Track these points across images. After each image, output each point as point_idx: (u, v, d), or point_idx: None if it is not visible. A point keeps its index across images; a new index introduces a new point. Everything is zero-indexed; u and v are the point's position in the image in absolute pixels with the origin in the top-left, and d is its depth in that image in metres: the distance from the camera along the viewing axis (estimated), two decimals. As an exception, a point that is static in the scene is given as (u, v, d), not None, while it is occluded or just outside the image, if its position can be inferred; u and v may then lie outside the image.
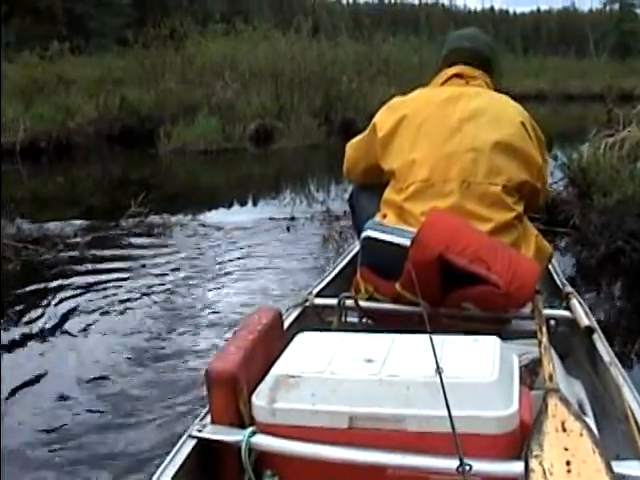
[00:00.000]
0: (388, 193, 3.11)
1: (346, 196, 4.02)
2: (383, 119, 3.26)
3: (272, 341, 2.22)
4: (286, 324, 2.64)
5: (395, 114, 3.20)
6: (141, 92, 17.14)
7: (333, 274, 3.60)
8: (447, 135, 3.03)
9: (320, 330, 2.45)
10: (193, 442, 2.01)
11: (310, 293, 3.20)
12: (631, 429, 2.01)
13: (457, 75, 3.34)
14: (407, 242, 2.65)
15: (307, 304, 3.07)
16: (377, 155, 3.22)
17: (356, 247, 3.56)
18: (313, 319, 3.05)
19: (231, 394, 1.97)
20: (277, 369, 2.02)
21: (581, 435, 1.81)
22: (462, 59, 3.38)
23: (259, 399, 1.97)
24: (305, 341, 2.22)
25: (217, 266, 6.12)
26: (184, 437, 2.04)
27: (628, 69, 34.05)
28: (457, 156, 2.97)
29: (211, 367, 2.02)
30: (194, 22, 20.27)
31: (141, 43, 18.09)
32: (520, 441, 1.84)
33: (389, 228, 2.88)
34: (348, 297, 2.94)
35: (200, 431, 2.01)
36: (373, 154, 3.25)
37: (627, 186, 5.68)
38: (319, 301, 3.11)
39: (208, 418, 2.05)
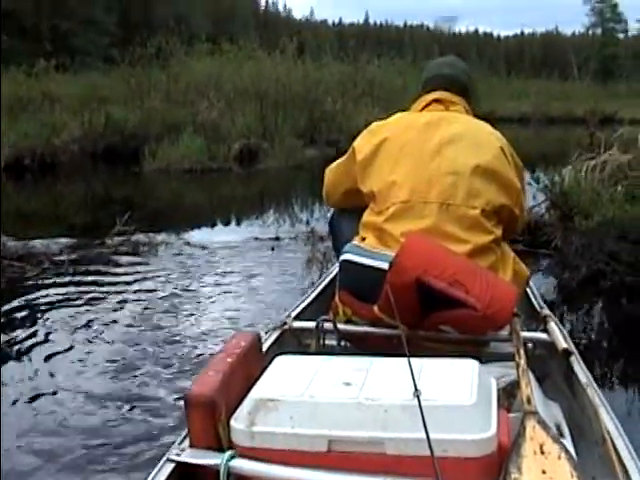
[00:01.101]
0: (367, 215, 3.12)
1: (329, 216, 4.03)
2: (363, 143, 3.27)
3: (251, 364, 2.21)
4: (265, 347, 2.62)
5: (375, 138, 3.22)
6: (126, 110, 17.15)
7: (312, 297, 3.56)
8: (427, 158, 3.04)
9: (298, 353, 2.45)
10: (171, 466, 1.98)
11: (289, 316, 3.17)
12: (608, 451, 1.99)
13: (437, 100, 3.36)
14: (385, 265, 2.66)
15: (285, 327, 3.05)
16: (357, 178, 3.22)
17: (335, 270, 3.54)
18: (291, 342, 3.03)
19: (210, 417, 1.95)
20: (256, 392, 2.01)
21: (559, 458, 1.83)
22: (441, 85, 3.40)
23: (238, 422, 1.95)
24: (283, 364, 2.21)
25: (202, 286, 6.13)
26: (162, 461, 2.01)
27: (610, 93, 34.39)
28: (437, 179, 2.98)
29: (190, 391, 2.00)
30: (180, 41, 20.29)
31: (127, 62, 18.14)
32: (498, 464, 1.84)
33: (367, 251, 2.88)
34: (326, 320, 2.93)
35: (179, 455, 1.99)
36: (352, 178, 3.26)
37: (607, 208, 5.74)
38: (297, 324, 3.09)
39: (187, 442, 2.03)
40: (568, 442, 2.25)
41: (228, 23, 63.23)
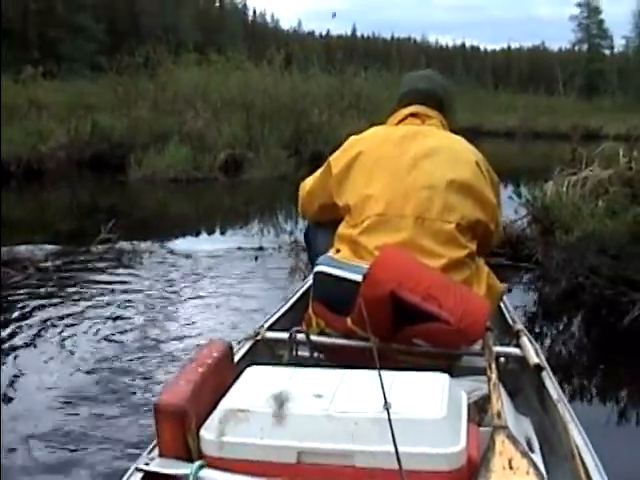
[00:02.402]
0: (342, 228, 3.11)
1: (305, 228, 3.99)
2: (338, 156, 3.27)
3: (222, 374, 2.18)
4: (237, 357, 2.63)
5: (350, 151, 3.22)
6: (113, 119, 17.17)
7: (285, 308, 3.55)
8: (403, 172, 3.04)
9: (271, 364, 2.44)
10: (140, 475, 1.96)
11: (261, 326, 3.16)
12: (577, 467, 1.99)
13: (413, 114, 3.37)
14: (359, 277, 2.64)
15: (258, 337, 3.03)
16: (332, 192, 3.22)
17: (309, 281, 3.44)
18: (264, 353, 3.01)
19: (179, 427, 1.93)
20: (226, 403, 2.00)
21: (527, 473, 1.83)
22: (418, 99, 3.40)
23: (208, 432, 1.94)
24: (255, 375, 2.20)
25: (185, 294, 6.16)
26: (131, 470, 1.98)
27: (595, 108, 34.59)
28: (412, 192, 2.98)
29: (160, 400, 1.97)
30: (167, 51, 20.32)
31: (115, 70, 18.15)
32: (467, 478, 1.83)
33: (341, 263, 2.87)
34: (299, 331, 2.91)
35: (147, 464, 1.96)
36: (328, 191, 3.26)
37: (588, 223, 5.77)
38: (270, 335, 3.07)
39: (156, 451, 2.00)
40: (538, 457, 2.27)
41: (216, 33, 63.35)
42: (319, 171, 3.44)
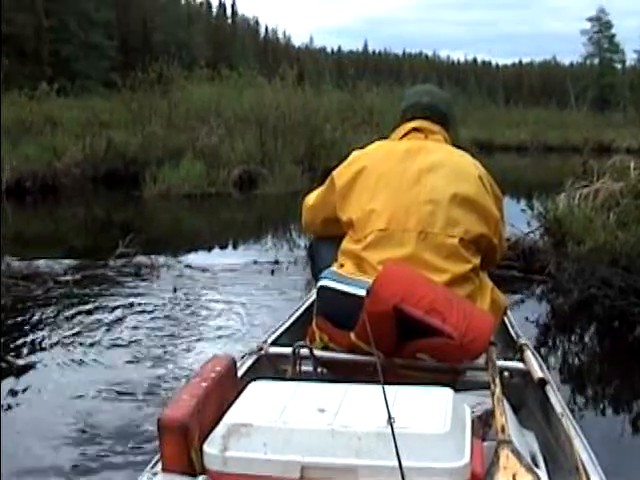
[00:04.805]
0: (346, 243, 3.09)
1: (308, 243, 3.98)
2: (341, 171, 3.26)
3: (225, 389, 2.16)
4: (240, 372, 2.59)
5: (354, 166, 3.21)
6: (127, 135, 17.25)
7: (288, 323, 3.54)
8: (406, 186, 3.04)
9: (274, 379, 2.45)
10: None
11: (265, 341, 3.15)
12: None
13: (416, 129, 3.34)
14: (362, 292, 2.62)
15: (262, 352, 3.03)
16: (335, 207, 3.21)
17: (313, 296, 3.43)
18: (267, 368, 3.00)
19: (183, 442, 1.91)
20: (229, 417, 1.98)
21: None
22: (420, 114, 3.38)
23: (211, 447, 1.92)
24: (258, 390, 2.18)
25: (204, 307, 6.22)
26: None
27: (607, 122, 34.50)
28: (415, 207, 2.98)
29: (163, 415, 1.95)
30: (180, 67, 20.40)
31: (128, 86, 18.23)
32: None
33: (345, 278, 2.86)
34: (303, 346, 2.86)
35: (151, 479, 1.95)
36: (331, 206, 3.24)
37: (600, 235, 5.81)
38: (274, 350, 3.07)
39: (159, 466, 1.98)
40: (542, 471, 2.26)
41: (228, 50, 63.55)
42: (322, 186, 3.43)
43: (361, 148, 3.40)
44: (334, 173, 3.30)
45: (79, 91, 25.81)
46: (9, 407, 4.13)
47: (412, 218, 2.96)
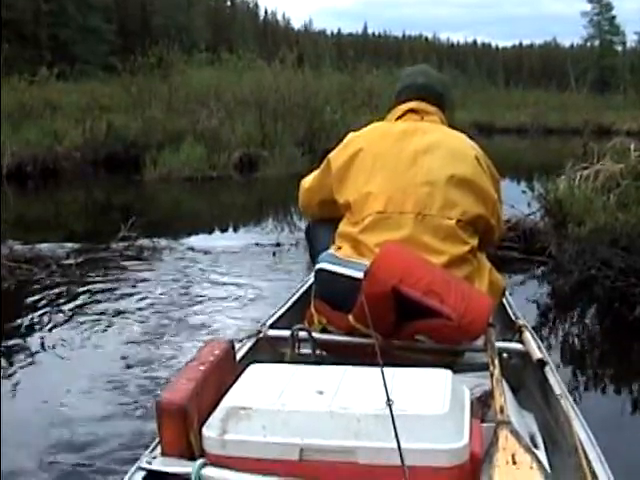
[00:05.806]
0: (343, 226, 3.09)
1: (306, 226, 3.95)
2: (338, 154, 3.24)
3: (224, 373, 2.17)
4: (239, 355, 2.59)
5: (350, 148, 3.20)
6: (127, 119, 17.24)
7: (287, 305, 3.53)
8: (403, 168, 3.03)
9: (273, 362, 2.49)
10: (142, 474, 1.96)
11: (263, 324, 3.14)
12: (581, 462, 1.98)
13: (412, 110, 3.31)
14: (360, 274, 2.64)
15: (260, 335, 3.02)
16: (332, 189, 3.20)
17: (311, 279, 3.43)
18: (266, 350, 2.99)
19: (181, 425, 1.92)
20: (228, 401, 1.99)
21: (531, 468, 1.84)
22: (416, 95, 3.35)
23: (210, 431, 1.93)
24: (257, 373, 2.18)
25: (207, 288, 6.27)
26: (133, 468, 1.98)
27: (608, 104, 34.42)
28: (412, 189, 2.96)
29: (161, 398, 1.97)
30: (180, 50, 20.38)
31: (128, 70, 18.24)
32: (471, 474, 1.84)
33: (343, 260, 2.86)
34: (301, 329, 2.88)
35: (150, 463, 1.96)
36: (328, 189, 3.23)
37: (600, 216, 5.85)
38: (272, 332, 3.07)
39: (158, 450, 2.00)
40: (541, 452, 2.28)
41: (228, 33, 63.37)
42: (319, 169, 3.42)
43: (358, 130, 3.38)
44: (330, 155, 3.29)
45: (78, 75, 25.71)
46: (15, 387, 4.19)
47: (409, 200, 2.95)
